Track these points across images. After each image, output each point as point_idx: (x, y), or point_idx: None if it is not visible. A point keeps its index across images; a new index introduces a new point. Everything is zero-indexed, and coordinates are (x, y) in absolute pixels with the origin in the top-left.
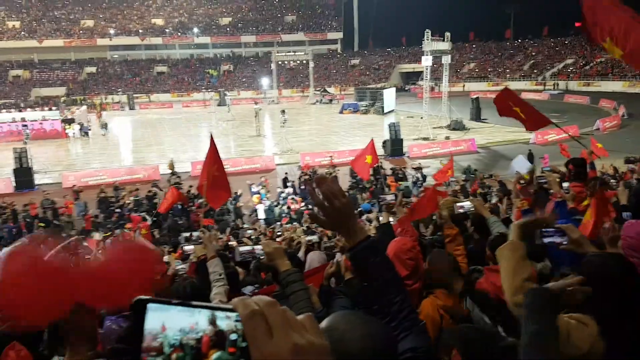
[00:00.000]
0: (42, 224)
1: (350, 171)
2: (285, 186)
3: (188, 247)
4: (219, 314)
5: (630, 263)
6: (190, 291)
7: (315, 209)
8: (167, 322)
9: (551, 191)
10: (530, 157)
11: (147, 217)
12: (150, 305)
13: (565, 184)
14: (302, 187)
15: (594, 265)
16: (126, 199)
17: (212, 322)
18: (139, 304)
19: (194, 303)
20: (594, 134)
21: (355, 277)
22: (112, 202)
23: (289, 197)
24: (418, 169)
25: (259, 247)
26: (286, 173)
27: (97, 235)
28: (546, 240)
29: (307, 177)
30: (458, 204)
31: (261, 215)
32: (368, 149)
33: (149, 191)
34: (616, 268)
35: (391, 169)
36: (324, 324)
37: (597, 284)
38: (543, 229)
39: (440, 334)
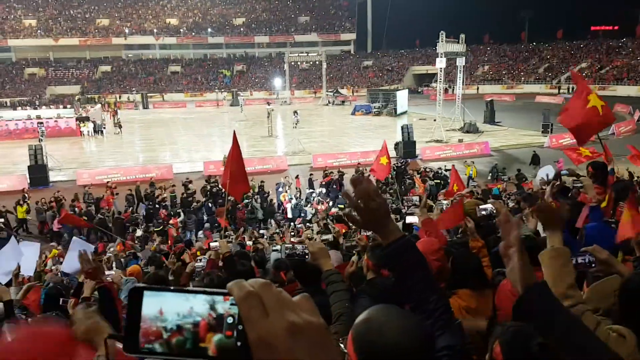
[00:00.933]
0: (86, 218)
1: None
2: (312, 187)
3: (214, 244)
4: (215, 297)
5: None
6: (217, 284)
7: (350, 209)
8: (164, 307)
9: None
10: (536, 160)
11: (181, 213)
12: (146, 292)
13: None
14: (328, 187)
15: (635, 282)
16: (163, 194)
17: (210, 306)
18: (136, 292)
19: (189, 288)
20: (609, 139)
21: (378, 276)
22: (149, 198)
23: (316, 198)
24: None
25: (302, 246)
26: (311, 174)
27: (138, 232)
28: (580, 260)
29: (330, 176)
30: (481, 207)
31: (289, 214)
32: (383, 151)
33: (185, 187)
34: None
35: (419, 169)
36: (362, 315)
37: (634, 302)
38: (576, 252)
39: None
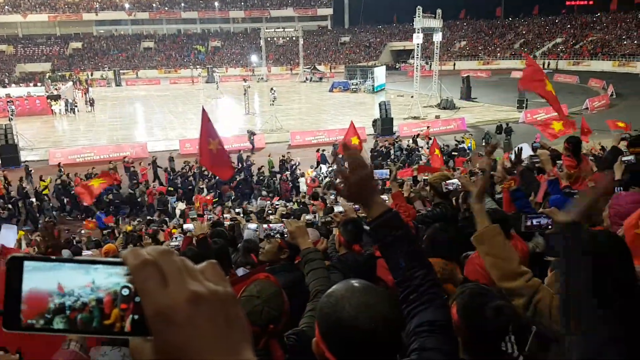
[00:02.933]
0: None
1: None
2: (324, 162)
3: (187, 226)
4: (113, 268)
5: (619, 238)
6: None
7: (338, 179)
8: (62, 281)
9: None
10: (500, 129)
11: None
12: (27, 263)
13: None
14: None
15: (584, 240)
16: (192, 169)
17: (112, 278)
18: (14, 261)
19: (81, 258)
20: (583, 113)
21: (349, 252)
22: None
23: (309, 176)
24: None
25: (279, 225)
26: (323, 150)
27: (180, 205)
28: (534, 221)
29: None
30: (447, 182)
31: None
32: (351, 131)
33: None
34: (605, 243)
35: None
36: (329, 289)
37: (587, 259)
38: (529, 215)
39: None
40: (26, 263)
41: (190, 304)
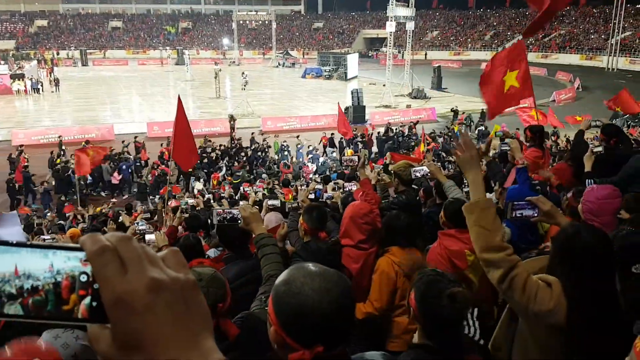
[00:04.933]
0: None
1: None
2: (332, 146)
3: (149, 237)
4: (72, 253)
5: (602, 232)
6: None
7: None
8: (19, 264)
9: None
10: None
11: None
12: None
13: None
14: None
15: (568, 234)
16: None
17: (71, 263)
18: None
19: (36, 243)
20: (550, 106)
21: (313, 239)
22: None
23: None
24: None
25: (236, 210)
26: (332, 134)
27: (198, 185)
28: (518, 213)
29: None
30: (415, 169)
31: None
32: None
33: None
34: (588, 237)
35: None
36: (282, 276)
37: (570, 252)
38: (515, 202)
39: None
40: None
41: (150, 291)
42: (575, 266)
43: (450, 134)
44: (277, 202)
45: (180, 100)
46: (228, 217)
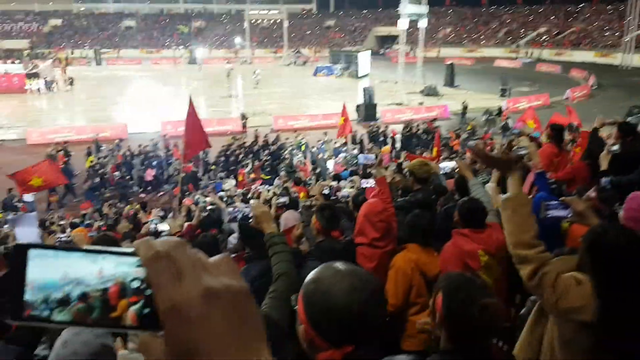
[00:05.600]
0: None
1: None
2: (353, 143)
3: (162, 227)
4: (123, 259)
5: (631, 232)
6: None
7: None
8: (68, 270)
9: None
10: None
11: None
12: (32, 251)
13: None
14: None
15: (596, 233)
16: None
17: (121, 269)
18: (19, 249)
19: (89, 248)
20: (564, 103)
21: (327, 239)
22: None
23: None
24: None
25: (245, 206)
26: (355, 131)
27: (231, 182)
28: (551, 213)
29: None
30: (442, 164)
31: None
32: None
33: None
34: (617, 237)
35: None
36: (311, 274)
37: (598, 251)
38: (548, 203)
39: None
40: (31, 251)
41: (205, 300)
42: (604, 265)
43: (471, 130)
44: (285, 200)
45: (191, 102)
46: (239, 216)
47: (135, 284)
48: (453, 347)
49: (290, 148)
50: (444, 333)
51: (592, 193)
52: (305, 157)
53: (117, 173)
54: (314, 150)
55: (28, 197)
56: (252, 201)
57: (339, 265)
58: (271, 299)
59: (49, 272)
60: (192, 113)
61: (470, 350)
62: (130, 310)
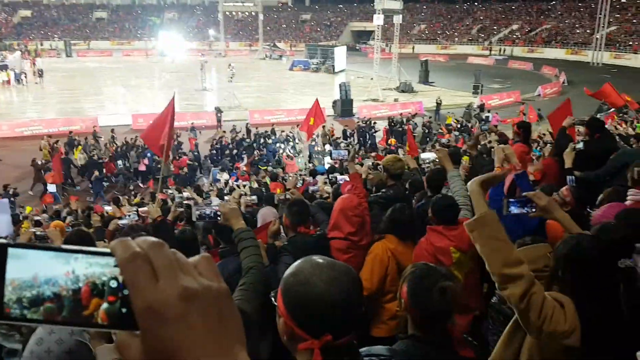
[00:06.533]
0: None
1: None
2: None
3: (143, 209)
4: (97, 259)
5: (604, 243)
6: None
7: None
8: (39, 271)
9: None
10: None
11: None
12: (11, 250)
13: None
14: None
15: (569, 246)
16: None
17: (94, 269)
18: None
19: (65, 247)
20: (535, 100)
21: (296, 234)
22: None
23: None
24: None
25: (216, 207)
26: (346, 126)
27: (225, 175)
28: (514, 211)
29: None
30: (423, 155)
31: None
32: (312, 111)
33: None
34: (590, 249)
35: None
36: (290, 269)
37: (572, 265)
38: (510, 199)
39: None
40: (10, 250)
41: (182, 300)
42: (581, 277)
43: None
44: (254, 198)
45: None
46: (207, 214)
47: (113, 284)
48: (418, 332)
49: (272, 141)
50: (410, 319)
51: (565, 192)
52: (297, 152)
53: (119, 162)
54: (304, 145)
55: (52, 187)
56: (218, 201)
57: (318, 258)
58: (241, 291)
59: (23, 272)
60: (168, 111)
61: (433, 334)
62: (100, 309)
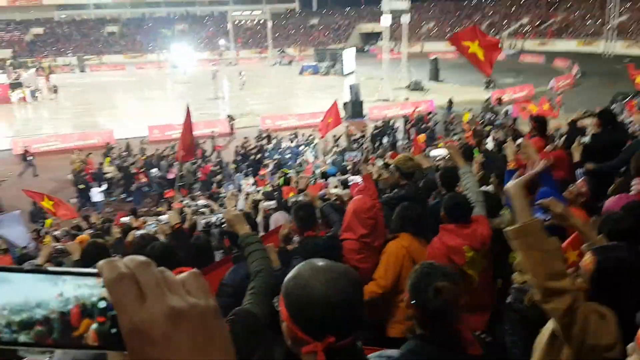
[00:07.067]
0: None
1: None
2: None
3: (163, 216)
4: (85, 280)
5: (629, 246)
6: (160, 254)
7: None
8: (29, 294)
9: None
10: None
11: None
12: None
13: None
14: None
15: (609, 259)
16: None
17: (83, 290)
18: None
19: (52, 269)
20: (548, 93)
21: (308, 237)
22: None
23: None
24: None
25: (219, 215)
26: (364, 127)
27: (250, 180)
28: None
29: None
30: (433, 151)
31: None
32: (330, 112)
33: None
34: (620, 255)
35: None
36: (290, 273)
37: (613, 277)
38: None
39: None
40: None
41: (169, 320)
42: (618, 289)
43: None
44: (272, 204)
45: (188, 110)
46: (214, 222)
47: (102, 304)
48: (424, 331)
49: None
50: (414, 317)
51: (580, 184)
52: (315, 156)
53: (154, 170)
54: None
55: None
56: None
57: (317, 261)
58: (251, 295)
59: (12, 296)
60: (187, 121)
61: (438, 334)
62: (90, 330)
